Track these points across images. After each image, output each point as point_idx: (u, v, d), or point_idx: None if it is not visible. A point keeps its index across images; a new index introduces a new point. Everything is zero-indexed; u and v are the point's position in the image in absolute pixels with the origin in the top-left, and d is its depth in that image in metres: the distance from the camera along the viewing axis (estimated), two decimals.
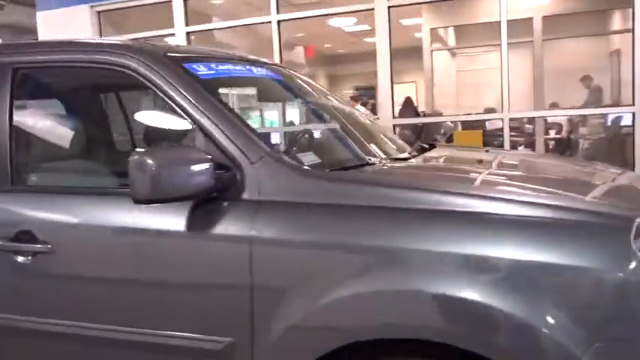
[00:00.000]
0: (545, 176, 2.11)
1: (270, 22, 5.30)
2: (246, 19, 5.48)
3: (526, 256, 1.44)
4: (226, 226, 1.68)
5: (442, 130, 7.88)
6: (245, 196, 1.69)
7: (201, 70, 1.99)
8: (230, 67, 2.20)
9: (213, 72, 2.04)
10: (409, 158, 2.18)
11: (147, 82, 1.86)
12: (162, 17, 5.74)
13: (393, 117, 5.07)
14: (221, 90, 2.12)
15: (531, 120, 6.55)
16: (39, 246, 1.84)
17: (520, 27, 8.32)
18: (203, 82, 1.91)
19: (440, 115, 7.49)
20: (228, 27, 5.60)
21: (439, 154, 2.47)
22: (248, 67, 2.29)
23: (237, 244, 1.65)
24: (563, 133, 8.04)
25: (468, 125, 6.58)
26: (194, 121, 1.78)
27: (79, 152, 2.11)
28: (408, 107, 11.64)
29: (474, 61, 12.08)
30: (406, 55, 9.25)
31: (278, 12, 5.30)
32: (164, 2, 5.55)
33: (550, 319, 1.39)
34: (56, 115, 2.03)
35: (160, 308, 1.76)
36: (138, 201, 1.59)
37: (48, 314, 1.87)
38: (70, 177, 2.06)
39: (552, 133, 8.05)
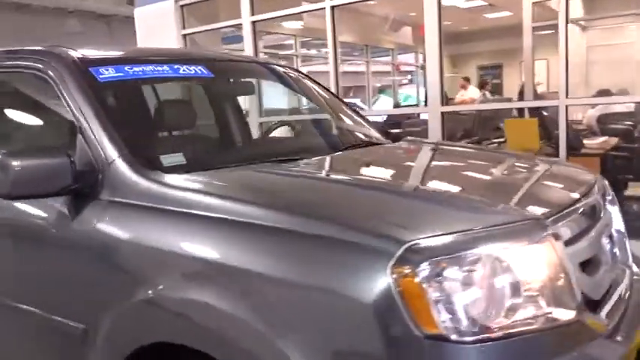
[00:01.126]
0: (394, 187, 1.87)
1: (324, 8, 5.30)
2: (301, 6, 5.54)
3: (271, 270, 1.41)
4: (78, 222, 1.85)
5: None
6: (102, 195, 1.83)
7: (106, 73, 2.14)
8: (151, 67, 2.31)
9: (120, 74, 2.18)
10: (302, 159, 2.10)
11: (54, 85, 2.08)
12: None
13: (442, 104, 4.79)
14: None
15: None
16: None
17: None
18: (99, 85, 2.08)
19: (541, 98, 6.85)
20: (286, 15, 5.70)
21: (359, 152, 2.35)
22: (177, 66, 2.39)
23: (85, 240, 1.82)
24: None
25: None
26: (77, 121, 1.96)
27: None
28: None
29: (609, 35, 10.73)
30: (536, 30, 8.48)
31: None
32: None
33: (283, 336, 1.35)
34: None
35: (38, 291, 2.03)
36: (2, 196, 1.82)
37: None
38: None
39: None
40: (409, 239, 1.32)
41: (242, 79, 2.76)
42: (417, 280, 1.28)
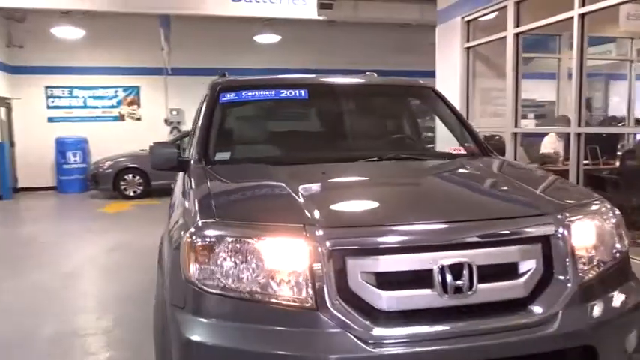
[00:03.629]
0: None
1: (572, 17, 5.00)
2: (548, 18, 5.30)
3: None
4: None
5: None
6: (186, 172, 3.02)
7: (227, 97, 3.30)
8: (261, 92, 3.33)
9: (235, 97, 3.30)
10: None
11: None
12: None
13: None
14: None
15: None
16: None
17: None
18: (218, 105, 3.25)
19: None
20: (546, 24, 5.51)
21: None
22: (281, 91, 3.32)
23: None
24: None
25: None
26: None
27: None
28: None
29: None
30: None
31: (583, 4, 4.92)
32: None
33: None
34: None
35: None
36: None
37: None
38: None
39: None
40: (200, 221, 1.99)
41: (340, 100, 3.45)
42: (191, 245, 1.95)
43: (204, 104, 3.23)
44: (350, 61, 13.36)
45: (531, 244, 2.00)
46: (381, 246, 1.89)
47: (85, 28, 11.88)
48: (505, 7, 6.05)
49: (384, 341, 1.81)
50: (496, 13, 6.46)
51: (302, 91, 3.31)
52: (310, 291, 1.83)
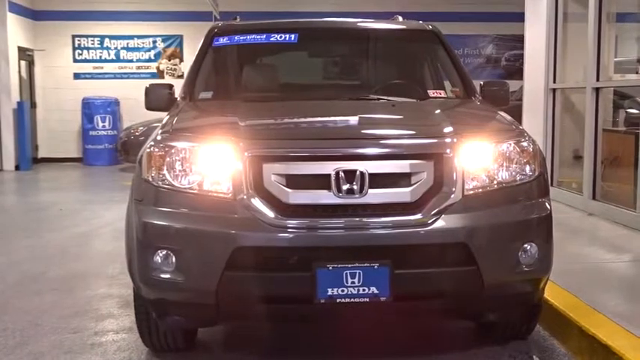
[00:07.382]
0: None
1: None
2: None
3: None
4: None
5: None
6: (175, 106, 4.60)
7: (220, 41, 4.83)
8: (253, 36, 4.85)
9: (227, 41, 4.84)
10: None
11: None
12: None
13: None
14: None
15: None
16: None
17: None
18: (210, 48, 4.80)
19: None
20: None
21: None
22: (271, 35, 4.83)
23: None
24: None
25: None
26: None
27: None
28: None
29: None
30: None
31: None
32: None
33: None
34: None
35: None
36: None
37: None
38: None
39: None
40: (158, 135, 3.48)
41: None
42: (150, 154, 3.34)
43: (199, 48, 4.82)
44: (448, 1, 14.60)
45: (422, 160, 3.26)
46: (288, 154, 3.30)
47: None
48: None
49: (287, 227, 3.20)
50: None
51: (292, 35, 4.76)
52: (232, 187, 3.28)
